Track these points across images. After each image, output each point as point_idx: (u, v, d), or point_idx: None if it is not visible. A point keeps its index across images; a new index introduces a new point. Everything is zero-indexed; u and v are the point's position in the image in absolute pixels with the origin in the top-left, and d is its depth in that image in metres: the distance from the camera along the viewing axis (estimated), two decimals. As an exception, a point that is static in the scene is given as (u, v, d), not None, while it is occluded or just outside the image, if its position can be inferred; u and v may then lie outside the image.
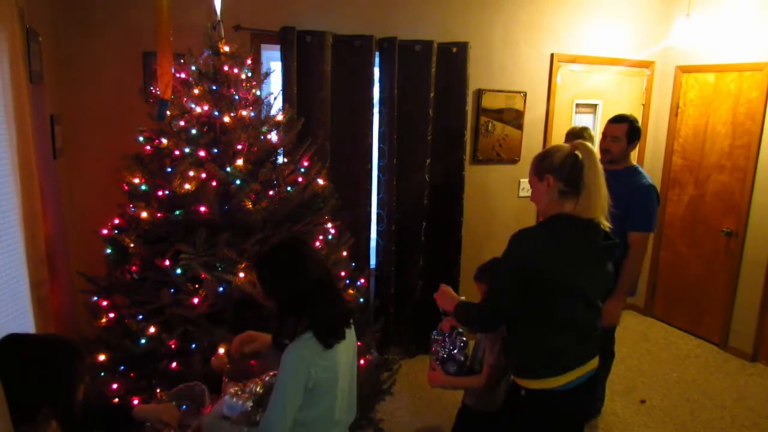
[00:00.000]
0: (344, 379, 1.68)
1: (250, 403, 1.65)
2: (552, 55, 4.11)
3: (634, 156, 4.67)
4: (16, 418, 1.14)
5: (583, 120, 4.42)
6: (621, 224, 2.61)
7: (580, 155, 1.78)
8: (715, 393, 3.60)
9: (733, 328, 4.16)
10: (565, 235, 1.79)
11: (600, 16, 4.23)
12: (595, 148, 3.07)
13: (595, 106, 4.45)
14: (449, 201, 3.83)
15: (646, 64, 4.52)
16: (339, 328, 1.64)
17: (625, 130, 2.86)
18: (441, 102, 3.65)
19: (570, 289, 1.80)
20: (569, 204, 1.80)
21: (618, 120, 2.91)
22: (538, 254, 1.77)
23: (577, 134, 3.04)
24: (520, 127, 4.10)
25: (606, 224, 1.84)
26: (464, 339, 2.30)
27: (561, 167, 1.79)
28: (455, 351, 2.27)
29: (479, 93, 3.89)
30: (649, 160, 4.72)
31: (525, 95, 4.06)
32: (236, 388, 1.71)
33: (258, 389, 1.70)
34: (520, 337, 1.89)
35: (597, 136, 4.53)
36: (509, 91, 4.00)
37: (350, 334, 1.73)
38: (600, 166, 1.78)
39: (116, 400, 2.01)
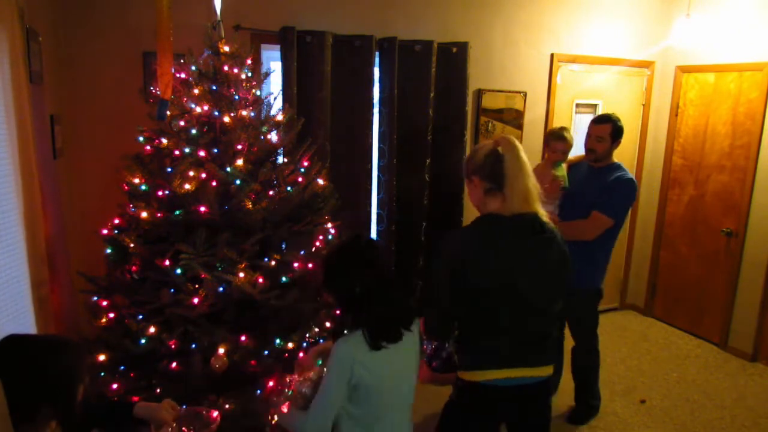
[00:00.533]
0: (392, 382, 1.67)
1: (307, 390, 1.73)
2: (552, 55, 4.11)
3: (634, 155, 4.69)
4: (16, 418, 1.14)
5: (583, 120, 4.42)
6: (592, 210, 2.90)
7: (500, 150, 1.74)
8: (715, 393, 3.60)
9: (733, 328, 4.16)
10: (490, 236, 1.75)
11: (600, 16, 4.23)
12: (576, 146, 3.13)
13: (595, 106, 4.45)
14: (449, 201, 3.83)
15: (646, 64, 4.52)
16: (392, 329, 1.65)
17: (609, 131, 2.93)
18: (441, 102, 3.65)
19: (499, 295, 1.75)
20: (495, 202, 1.77)
21: (601, 120, 2.98)
22: (461, 261, 1.74)
23: (557, 135, 3.07)
24: (520, 127, 4.10)
25: (543, 214, 1.77)
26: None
27: (483, 166, 1.77)
28: (439, 348, 2.31)
29: (479, 93, 3.89)
30: (649, 160, 4.72)
31: (525, 95, 4.06)
32: (302, 378, 1.77)
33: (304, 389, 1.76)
34: (458, 334, 1.92)
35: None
36: (509, 91, 4.00)
37: (410, 337, 1.72)
38: (524, 157, 1.73)
39: (116, 399, 2.01)
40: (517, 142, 1.76)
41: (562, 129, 3.11)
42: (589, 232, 2.91)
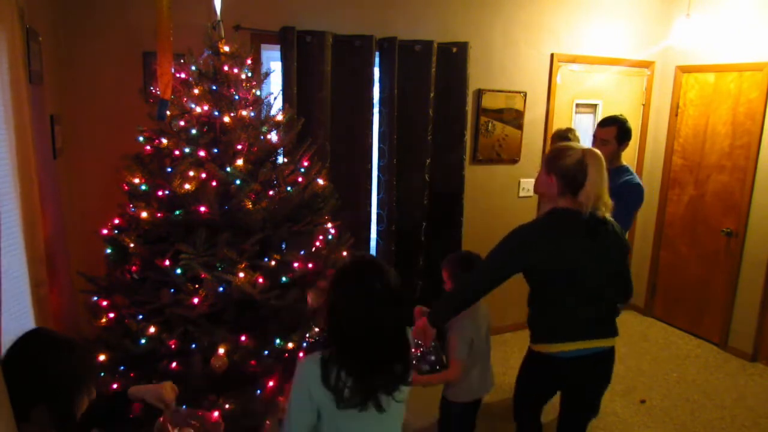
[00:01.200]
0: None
1: None
2: (552, 55, 4.11)
3: (634, 155, 4.68)
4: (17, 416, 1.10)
5: (583, 120, 4.43)
6: None
7: (587, 161, 1.98)
8: (715, 393, 3.61)
9: (733, 328, 4.16)
10: (562, 227, 2.03)
11: (600, 16, 4.23)
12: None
13: (595, 106, 4.45)
14: (449, 201, 3.83)
15: (646, 64, 4.52)
16: (365, 386, 1.44)
17: (614, 134, 2.89)
18: (441, 102, 3.65)
19: (567, 279, 2.04)
20: (566, 201, 2.04)
21: (606, 123, 2.94)
22: (531, 248, 2.03)
23: (563, 135, 3.08)
24: (520, 127, 4.10)
25: (604, 212, 2.03)
26: (434, 341, 2.37)
27: (567, 172, 2.01)
28: (426, 352, 2.36)
29: (479, 93, 3.89)
30: (649, 160, 4.72)
31: (525, 95, 4.06)
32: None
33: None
34: (530, 311, 2.22)
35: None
36: (509, 91, 4.00)
37: (395, 409, 1.52)
38: (604, 170, 2.00)
39: (110, 393, 2.01)
40: (601, 158, 2.01)
41: (568, 130, 3.11)
42: None
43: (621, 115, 2.97)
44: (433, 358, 2.35)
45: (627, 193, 2.82)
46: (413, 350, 2.29)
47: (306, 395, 1.46)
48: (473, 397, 2.50)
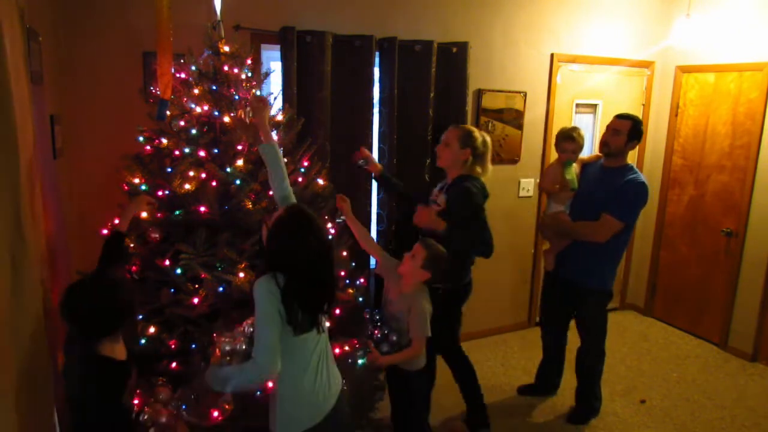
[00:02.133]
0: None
1: (243, 346, 1.84)
2: (552, 55, 4.11)
3: (633, 155, 4.68)
4: (101, 334, 1.64)
5: (583, 120, 4.43)
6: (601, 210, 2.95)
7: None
8: (715, 393, 3.61)
9: (733, 328, 4.16)
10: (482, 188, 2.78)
11: (600, 16, 4.23)
12: (594, 144, 3.17)
13: (595, 106, 4.45)
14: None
15: (646, 64, 4.52)
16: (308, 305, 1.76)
17: (629, 126, 2.92)
18: (441, 102, 3.64)
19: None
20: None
21: (623, 116, 2.99)
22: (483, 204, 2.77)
23: (568, 135, 3.08)
24: (520, 127, 4.10)
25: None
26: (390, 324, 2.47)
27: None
28: (389, 332, 2.42)
29: (479, 93, 3.89)
30: (649, 160, 4.72)
31: (525, 95, 4.06)
32: (227, 338, 1.86)
33: (248, 329, 1.86)
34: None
35: (597, 135, 4.54)
36: (509, 91, 4.00)
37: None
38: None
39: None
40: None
41: (573, 129, 3.12)
42: (599, 235, 2.92)
43: (637, 116, 3.02)
44: (395, 338, 2.40)
45: (631, 189, 2.87)
46: (374, 332, 2.42)
47: (275, 308, 1.69)
48: (418, 368, 2.54)
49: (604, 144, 3.01)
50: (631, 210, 2.90)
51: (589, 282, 3.05)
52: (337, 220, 2.59)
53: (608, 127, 3.01)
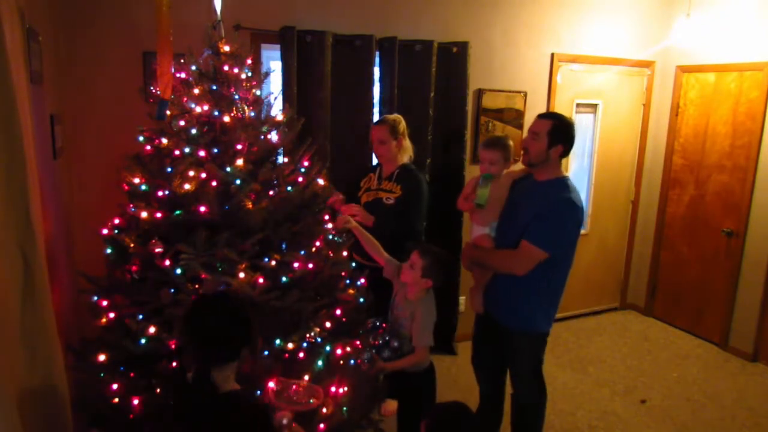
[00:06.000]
0: None
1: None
2: (552, 55, 4.11)
3: (634, 155, 4.68)
4: (227, 358, 1.60)
5: (583, 120, 4.43)
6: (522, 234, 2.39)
7: None
8: (716, 393, 3.60)
9: (733, 328, 4.16)
10: None
11: (600, 15, 4.23)
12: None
13: (595, 106, 4.45)
14: (449, 201, 3.81)
15: (647, 64, 4.52)
16: None
17: (549, 127, 2.33)
18: (441, 102, 3.64)
19: None
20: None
21: (544, 116, 2.44)
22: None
23: (485, 142, 2.68)
24: (520, 127, 4.09)
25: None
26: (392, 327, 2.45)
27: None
28: (390, 338, 2.40)
29: (479, 93, 3.89)
30: (650, 159, 4.72)
31: (525, 95, 4.06)
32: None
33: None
34: None
35: (597, 136, 4.53)
36: (509, 91, 4.00)
37: None
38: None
39: (116, 400, 2.01)
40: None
41: (496, 137, 2.71)
42: (517, 266, 2.35)
43: (570, 118, 2.53)
44: (397, 344, 2.39)
45: (555, 210, 2.33)
46: (373, 341, 2.40)
47: None
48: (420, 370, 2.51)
49: (524, 151, 2.45)
50: (556, 236, 2.31)
51: (515, 322, 2.49)
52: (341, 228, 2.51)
53: (528, 128, 2.47)
